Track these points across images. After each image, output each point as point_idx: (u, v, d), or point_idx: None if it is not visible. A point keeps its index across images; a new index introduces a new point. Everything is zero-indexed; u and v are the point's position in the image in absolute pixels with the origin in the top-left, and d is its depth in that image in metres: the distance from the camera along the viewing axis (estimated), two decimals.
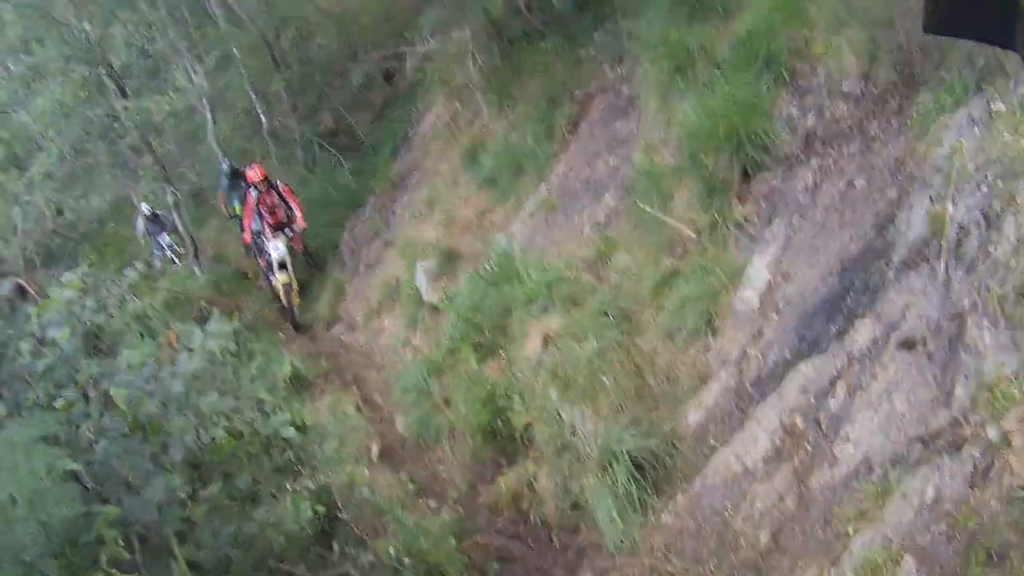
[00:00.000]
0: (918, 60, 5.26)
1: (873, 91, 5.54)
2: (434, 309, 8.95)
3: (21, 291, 5.94)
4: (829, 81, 5.81)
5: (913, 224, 4.39)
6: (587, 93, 8.86)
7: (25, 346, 3.75)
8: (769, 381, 4.81)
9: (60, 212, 10.92)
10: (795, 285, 5.21)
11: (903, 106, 5.25)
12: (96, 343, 4.78)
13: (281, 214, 11.70)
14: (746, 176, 5.97)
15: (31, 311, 4.03)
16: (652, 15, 7.54)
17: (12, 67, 14.97)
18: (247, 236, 12.04)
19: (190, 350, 4.18)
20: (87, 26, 12.11)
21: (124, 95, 12.50)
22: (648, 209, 6.56)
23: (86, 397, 3.77)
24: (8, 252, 8.16)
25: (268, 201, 11.57)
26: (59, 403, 3.52)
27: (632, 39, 8.01)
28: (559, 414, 6.05)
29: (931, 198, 4.32)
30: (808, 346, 4.71)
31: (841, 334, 4.48)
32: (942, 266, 3.96)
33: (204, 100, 14.46)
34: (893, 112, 5.32)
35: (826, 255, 5.11)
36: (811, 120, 5.82)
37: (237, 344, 5.07)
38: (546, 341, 6.49)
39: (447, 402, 7.43)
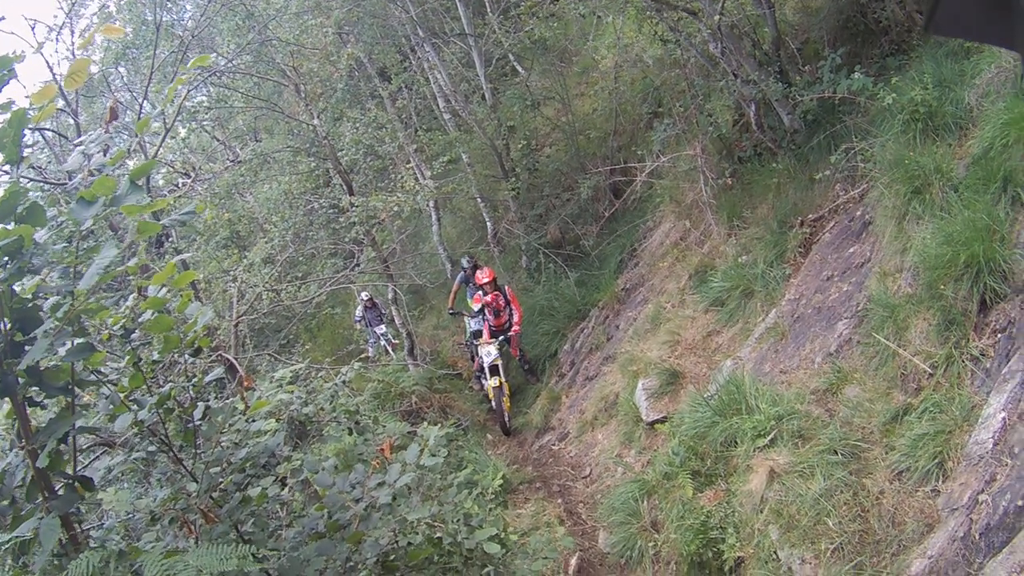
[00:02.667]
0: None
1: None
2: (651, 428, 8.77)
3: (231, 369, 6.38)
4: None
5: None
6: (820, 215, 8.58)
7: (227, 438, 3.79)
8: (999, 531, 4.34)
9: (277, 294, 11.40)
10: None
11: None
12: (301, 431, 4.99)
13: (505, 318, 12.09)
14: (984, 306, 5.52)
15: (239, 405, 4.05)
16: (885, 135, 7.29)
17: (240, 152, 16.09)
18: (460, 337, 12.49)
19: (404, 463, 4.17)
20: (316, 122, 12.94)
21: (351, 191, 13.03)
22: (883, 340, 6.25)
23: (283, 484, 3.89)
24: (222, 329, 8.61)
25: (494, 304, 12.02)
26: (255, 492, 3.56)
27: (867, 160, 7.73)
28: (776, 554, 5.73)
29: None
30: None
31: None
32: None
33: (431, 202, 15.00)
34: None
35: None
36: None
37: (447, 450, 5.15)
38: (772, 476, 6.19)
39: (655, 525, 7.21)
